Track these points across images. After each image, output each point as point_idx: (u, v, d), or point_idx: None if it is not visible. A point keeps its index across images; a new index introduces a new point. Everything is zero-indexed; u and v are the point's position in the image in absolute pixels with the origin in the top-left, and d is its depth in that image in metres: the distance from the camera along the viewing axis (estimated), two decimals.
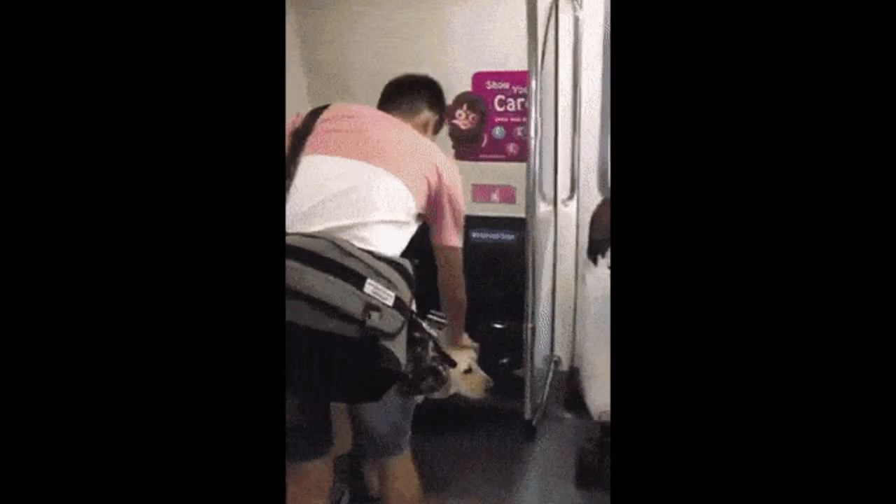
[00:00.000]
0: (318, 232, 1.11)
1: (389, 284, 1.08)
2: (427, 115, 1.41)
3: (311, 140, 1.21)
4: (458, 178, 1.34)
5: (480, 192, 2.12)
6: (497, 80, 2.05)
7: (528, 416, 1.86)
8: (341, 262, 1.05)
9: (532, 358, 1.74)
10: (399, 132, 1.29)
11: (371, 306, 1.03)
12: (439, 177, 1.27)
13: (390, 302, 1.06)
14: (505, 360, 1.92)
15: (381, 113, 1.35)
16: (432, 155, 1.29)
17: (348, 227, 1.14)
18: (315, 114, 1.26)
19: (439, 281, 1.37)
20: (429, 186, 1.26)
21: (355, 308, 1.02)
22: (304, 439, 1.24)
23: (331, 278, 1.03)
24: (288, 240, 1.05)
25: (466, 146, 2.11)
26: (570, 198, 2.10)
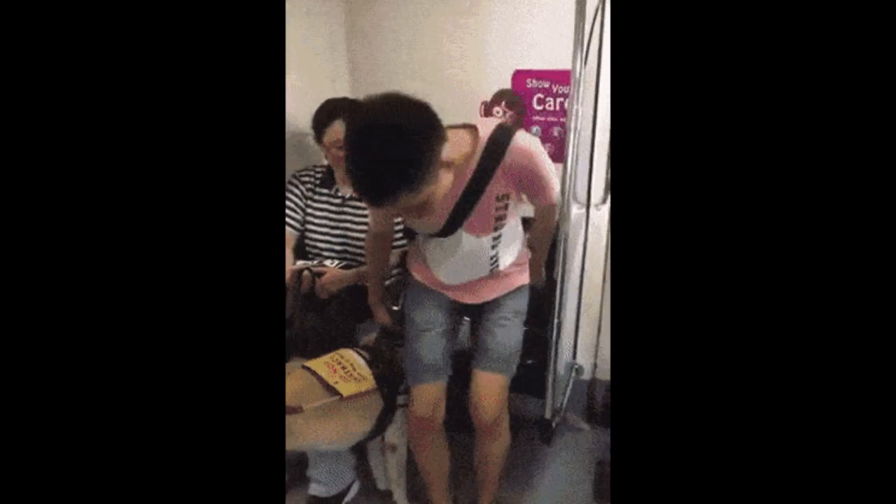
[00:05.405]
0: None
1: None
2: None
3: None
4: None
5: None
6: (538, 79, 2.04)
7: (547, 415, 1.81)
8: None
9: (556, 354, 1.69)
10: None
11: None
12: None
13: None
14: (530, 362, 1.88)
15: None
16: None
17: None
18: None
19: None
20: None
21: None
22: (431, 368, 1.49)
23: None
24: None
25: None
26: (604, 202, 2.07)
